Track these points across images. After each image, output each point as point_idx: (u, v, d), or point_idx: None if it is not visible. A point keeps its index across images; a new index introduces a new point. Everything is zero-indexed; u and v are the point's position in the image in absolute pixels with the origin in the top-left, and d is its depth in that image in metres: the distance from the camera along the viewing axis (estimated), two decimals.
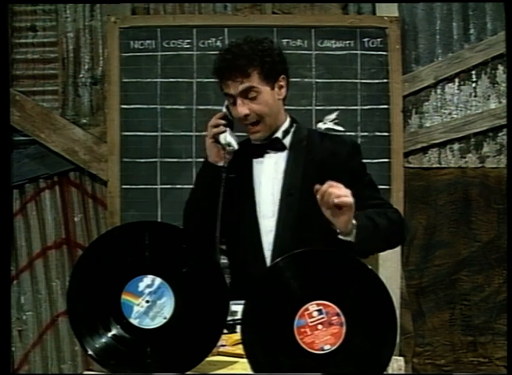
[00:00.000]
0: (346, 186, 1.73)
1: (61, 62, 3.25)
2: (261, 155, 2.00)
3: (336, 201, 1.67)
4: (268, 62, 1.92)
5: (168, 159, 3.10)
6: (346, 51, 3.09)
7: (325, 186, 1.69)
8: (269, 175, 1.98)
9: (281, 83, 1.97)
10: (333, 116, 2.06)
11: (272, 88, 1.95)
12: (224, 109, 1.97)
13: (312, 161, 1.97)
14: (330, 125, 2.03)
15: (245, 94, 1.91)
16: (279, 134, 2.00)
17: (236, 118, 1.95)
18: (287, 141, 2.00)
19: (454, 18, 3.17)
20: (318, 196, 1.70)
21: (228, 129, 1.94)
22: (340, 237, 1.77)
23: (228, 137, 1.93)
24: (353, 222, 1.74)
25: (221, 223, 1.92)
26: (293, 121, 2.04)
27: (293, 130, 2.02)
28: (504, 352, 3.09)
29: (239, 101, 1.91)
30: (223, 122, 1.94)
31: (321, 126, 2.04)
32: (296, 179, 1.96)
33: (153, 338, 1.40)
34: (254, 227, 1.96)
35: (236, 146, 1.94)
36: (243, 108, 1.90)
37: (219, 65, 1.94)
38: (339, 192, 1.68)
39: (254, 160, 2.01)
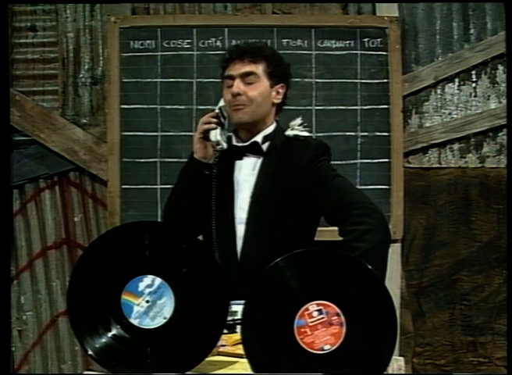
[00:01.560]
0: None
1: (61, 62, 3.25)
2: (241, 158, 2.02)
3: None
4: (275, 61, 2.01)
5: (168, 159, 3.10)
6: (346, 51, 3.09)
7: None
8: (247, 179, 2.00)
9: (279, 89, 2.02)
10: (298, 121, 2.06)
11: (271, 87, 2.00)
12: (217, 110, 1.98)
13: (281, 169, 1.99)
14: (297, 131, 2.03)
15: (245, 77, 1.96)
16: (258, 138, 2.01)
17: (226, 101, 1.97)
18: (265, 146, 2.02)
19: (454, 18, 3.17)
20: None
21: (219, 127, 1.96)
22: None
23: (218, 136, 1.94)
24: None
25: (201, 221, 1.98)
26: (277, 129, 2.05)
27: (273, 137, 2.03)
28: (504, 352, 3.08)
29: (237, 80, 1.96)
30: (215, 120, 1.96)
31: (289, 132, 2.04)
32: (265, 188, 1.97)
33: (153, 338, 1.40)
34: (230, 232, 1.98)
35: (225, 145, 1.95)
36: (237, 87, 1.95)
37: (232, 48, 2.03)
38: None
39: (235, 162, 2.02)
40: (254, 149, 2.01)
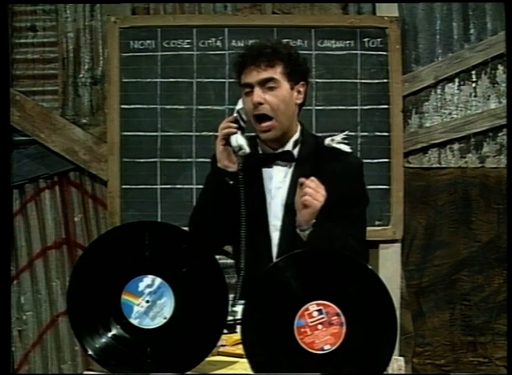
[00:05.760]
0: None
1: (61, 62, 3.25)
2: (271, 166, 1.99)
3: (302, 198, 1.81)
4: (292, 60, 1.93)
5: (168, 159, 3.10)
6: (346, 51, 3.09)
7: (308, 181, 1.83)
8: (279, 187, 1.98)
9: (300, 88, 1.97)
10: (342, 135, 2.04)
11: (292, 88, 1.94)
12: (235, 113, 1.94)
13: (317, 178, 1.93)
14: (338, 144, 2.02)
15: (264, 83, 1.89)
16: (289, 146, 1.98)
17: (248, 110, 1.92)
18: (295, 152, 1.99)
19: (454, 18, 3.17)
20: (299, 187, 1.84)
21: (239, 131, 1.91)
22: (297, 230, 1.87)
23: (239, 140, 1.90)
24: (312, 222, 1.84)
25: (229, 231, 1.95)
26: (303, 131, 2.03)
27: (302, 140, 2.00)
28: (504, 352, 3.09)
29: (257, 88, 1.89)
30: (234, 125, 1.92)
31: (330, 143, 2.02)
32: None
33: (153, 338, 1.40)
34: (266, 239, 1.97)
35: (247, 149, 1.90)
36: (258, 96, 1.88)
37: (246, 52, 1.94)
38: (311, 191, 1.82)
39: (263, 169, 1.99)
40: (286, 157, 1.98)
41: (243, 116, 1.93)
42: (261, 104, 1.89)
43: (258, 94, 1.88)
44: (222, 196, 1.92)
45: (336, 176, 1.95)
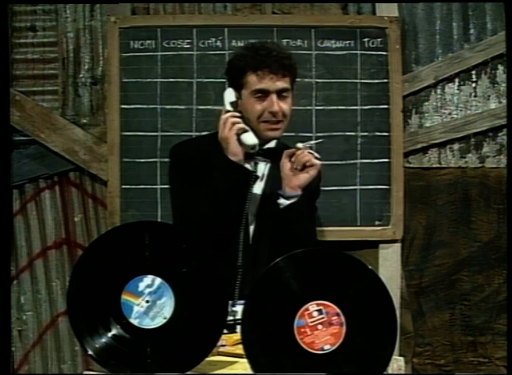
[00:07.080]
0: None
1: (61, 62, 3.25)
2: (249, 162, 2.03)
3: (306, 158, 1.92)
4: (295, 70, 2.05)
5: (169, 159, 3.10)
6: (346, 51, 3.09)
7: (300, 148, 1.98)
8: (259, 183, 2.03)
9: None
10: (313, 142, 2.11)
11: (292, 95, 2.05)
12: (228, 107, 1.97)
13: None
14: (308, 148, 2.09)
15: (281, 92, 1.97)
16: (272, 144, 2.05)
17: (257, 113, 1.97)
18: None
19: (454, 18, 3.17)
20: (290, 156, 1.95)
21: (249, 129, 1.95)
22: (281, 199, 1.94)
23: (255, 138, 1.93)
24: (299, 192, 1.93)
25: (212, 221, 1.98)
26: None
27: (279, 141, 2.09)
28: (504, 352, 3.09)
29: (274, 96, 1.96)
30: (242, 122, 1.96)
31: (300, 146, 2.08)
32: (272, 194, 2.01)
33: (153, 338, 1.40)
34: (245, 233, 2.01)
35: (257, 148, 1.95)
36: (278, 106, 1.96)
37: (260, 53, 1.97)
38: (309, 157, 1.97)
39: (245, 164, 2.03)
40: (270, 154, 2.04)
41: (236, 111, 1.97)
42: (277, 113, 1.97)
43: (277, 103, 1.96)
44: (241, 192, 1.96)
45: None
